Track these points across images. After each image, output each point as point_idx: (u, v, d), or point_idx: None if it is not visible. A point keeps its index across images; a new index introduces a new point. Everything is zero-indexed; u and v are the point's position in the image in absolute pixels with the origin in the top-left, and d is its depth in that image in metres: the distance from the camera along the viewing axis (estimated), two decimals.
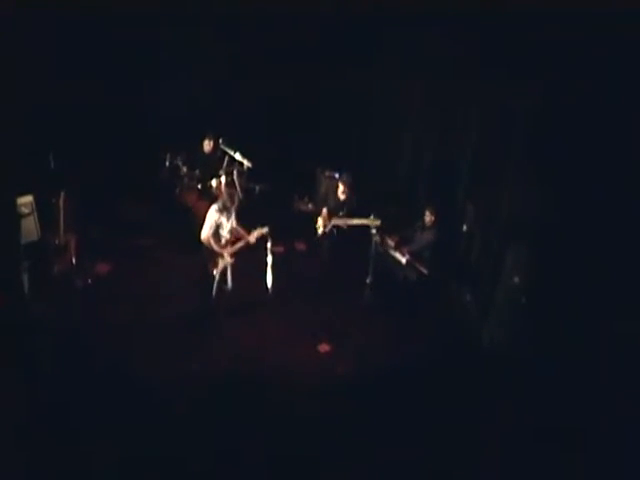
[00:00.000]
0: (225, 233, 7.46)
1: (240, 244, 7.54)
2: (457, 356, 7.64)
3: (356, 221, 8.56)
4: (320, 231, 8.94)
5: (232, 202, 7.39)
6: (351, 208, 8.79)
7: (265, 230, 7.52)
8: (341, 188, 8.87)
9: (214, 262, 7.49)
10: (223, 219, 7.38)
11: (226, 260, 7.52)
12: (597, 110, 6.87)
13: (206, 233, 7.30)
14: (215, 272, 7.52)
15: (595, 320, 6.67)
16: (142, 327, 7.52)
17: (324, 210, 8.91)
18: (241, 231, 7.61)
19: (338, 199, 8.94)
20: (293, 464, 5.95)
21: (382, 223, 8.46)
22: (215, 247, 7.36)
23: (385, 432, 6.42)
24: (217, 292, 7.65)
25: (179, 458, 5.84)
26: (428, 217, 8.61)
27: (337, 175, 11.13)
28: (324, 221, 8.88)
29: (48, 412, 6.02)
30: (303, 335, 7.85)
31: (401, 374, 7.29)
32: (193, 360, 7.12)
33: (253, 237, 7.51)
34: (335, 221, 8.73)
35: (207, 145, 9.82)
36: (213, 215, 7.33)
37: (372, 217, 8.37)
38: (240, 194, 10.00)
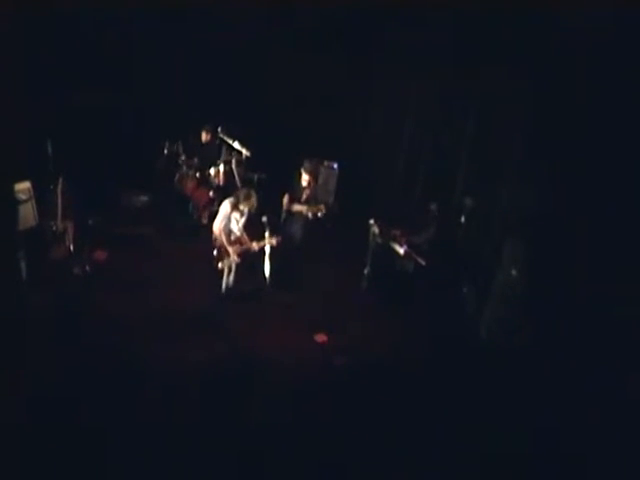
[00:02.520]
0: (236, 230, 7.50)
1: (245, 246, 7.58)
2: (454, 347, 7.67)
3: (298, 207, 8.57)
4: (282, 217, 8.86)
5: (246, 201, 7.35)
6: (313, 195, 8.70)
7: (274, 241, 7.53)
8: (303, 176, 8.78)
9: (220, 257, 7.49)
10: (236, 214, 7.41)
11: (232, 258, 7.51)
12: (594, 105, 6.88)
13: (217, 225, 7.37)
14: (221, 266, 7.52)
15: (593, 312, 6.69)
16: (140, 315, 7.51)
17: (286, 196, 8.72)
18: (245, 237, 7.62)
19: (300, 186, 8.80)
20: (289, 455, 5.96)
21: (383, 216, 8.46)
22: (224, 241, 7.39)
23: (382, 423, 6.44)
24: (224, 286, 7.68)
25: (174, 447, 5.85)
26: (432, 211, 8.63)
27: (335, 166, 11.14)
28: (285, 206, 8.75)
29: (47, 400, 6.01)
30: (300, 325, 7.86)
31: (398, 365, 7.31)
32: (190, 349, 7.13)
33: (255, 246, 7.53)
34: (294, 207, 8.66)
35: (205, 134, 9.78)
36: (226, 207, 7.37)
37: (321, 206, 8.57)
38: (239, 183, 10.01)
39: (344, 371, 7.18)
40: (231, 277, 7.77)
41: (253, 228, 7.73)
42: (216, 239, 7.44)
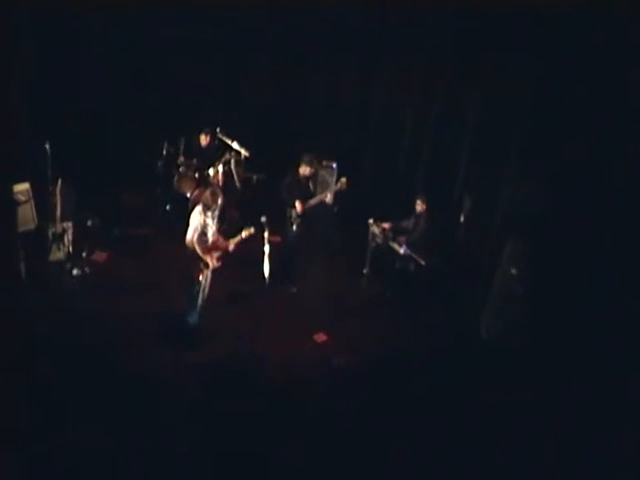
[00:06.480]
0: (210, 235, 7.12)
1: (222, 249, 7.22)
2: (454, 347, 7.67)
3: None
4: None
5: (214, 202, 7.02)
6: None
7: (247, 233, 7.16)
8: (305, 168, 8.77)
9: (198, 268, 7.11)
10: (208, 220, 7.05)
11: (212, 266, 7.13)
12: (593, 103, 6.87)
13: (190, 236, 6.96)
14: (201, 278, 7.14)
15: (592, 310, 6.68)
16: (139, 316, 7.52)
17: (297, 202, 8.74)
18: (221, 239, 7.29)
19: (302, 179, 8.88)
20: (289, 456, 5.96)
21: (382, 216, 8.67)
22: (199, 251, 6.99)
23: (382, 423, 6.45)
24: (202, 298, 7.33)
25: (175, 449, 5.86)
26: (419, 206, 8.62)
27: (334, 165, 11.11)
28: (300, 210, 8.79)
29: (45, 400, 6.02)
30: (300, 324, 7.86)
31: (397, 364, 7.32)
32: (190, 350, 7.13)
33: (232, 245, 7.19)
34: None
35: (204, 135, 9.77)
36: (197, 217, 6.99)
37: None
38: (238, 183, 10.01)
39: (343, 371, 7.19)
40: (205, 289, 7.39)
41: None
42: (192, 251, 7.02)
